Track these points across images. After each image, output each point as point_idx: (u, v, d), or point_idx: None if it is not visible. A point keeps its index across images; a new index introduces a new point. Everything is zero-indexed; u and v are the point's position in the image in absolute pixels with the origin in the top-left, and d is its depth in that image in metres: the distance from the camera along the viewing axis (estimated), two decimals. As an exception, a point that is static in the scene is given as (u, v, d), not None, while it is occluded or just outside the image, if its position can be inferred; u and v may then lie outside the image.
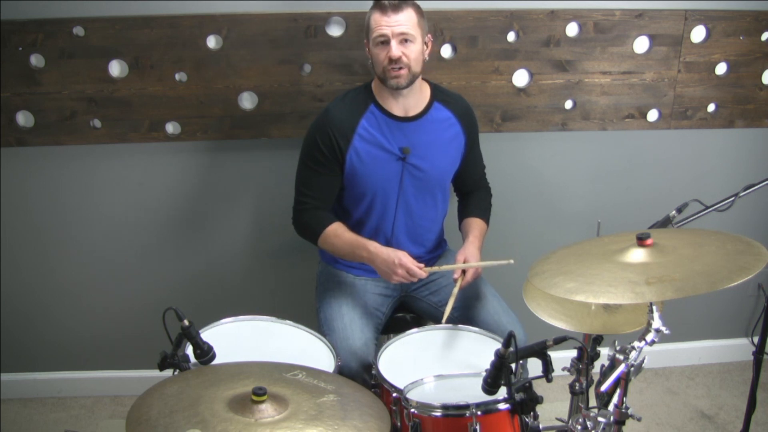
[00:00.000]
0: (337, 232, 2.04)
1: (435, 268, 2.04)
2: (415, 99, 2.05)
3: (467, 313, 2.06)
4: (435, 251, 2.24)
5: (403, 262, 1.93)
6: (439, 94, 2.10)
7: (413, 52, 1.94)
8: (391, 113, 2.03)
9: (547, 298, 1.86)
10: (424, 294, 2.19)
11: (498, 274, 2.19)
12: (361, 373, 1.88)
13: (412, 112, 2.05)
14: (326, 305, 2.09)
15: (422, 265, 1.96)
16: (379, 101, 2.04)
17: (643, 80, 2.49)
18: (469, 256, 2.03)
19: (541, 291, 1.68)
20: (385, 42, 1.92)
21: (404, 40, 1.92)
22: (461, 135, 2.12)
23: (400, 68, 1.93)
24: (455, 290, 1.99)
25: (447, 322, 1.96)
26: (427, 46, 2.01)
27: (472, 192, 2.27)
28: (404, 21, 1.91)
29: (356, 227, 2.10)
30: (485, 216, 2.23)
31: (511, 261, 1.96)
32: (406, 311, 2.23)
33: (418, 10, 1.96)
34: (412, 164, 2.04)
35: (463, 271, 2.01)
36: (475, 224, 2.17)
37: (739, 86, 2.54)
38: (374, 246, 1.98)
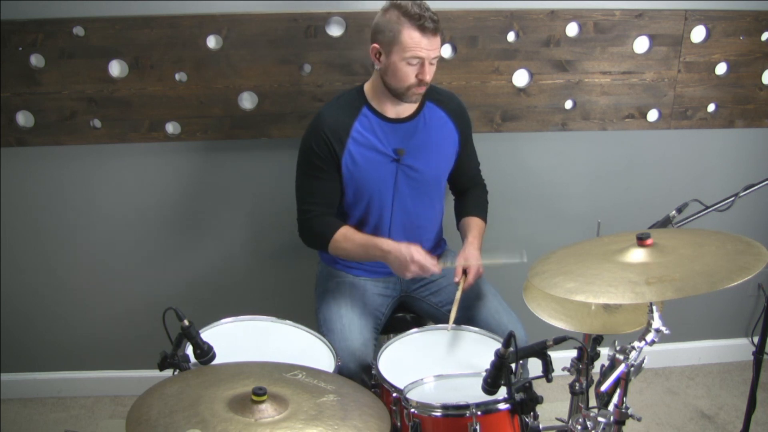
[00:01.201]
0: (347, 236, 2.02)
1: (448, 264, 2.01)
2: None
3: (467, 313, 2.06)
4: (434, 251, 2.22)
5: (415, 258, 1.90)
6: (431, 94, 2.09)
7: (434, 71, 1.95)
8: (384, 115, 2.03)
9: (547, 298, 1.86)
10: (425, 294, 2.19)
11: (498, 275, 2.18)
12: (359, 374, 1.88)
13: (405, 114, 2.05)
14: (325, 306, 2.09)
15: (435, 261, 1.93)
16: (372, 104, 2.03)
17: (643, 80, 2.49)
18: (469, 258, 2.02)
19: (541, 291, 1.68)
20: (420, 63, 1.91)
21: (433, 62, 1.93)
22: (454, 133, 2.12)
23: (424, 87, 1.95)
24: (458, 295, 1.98)
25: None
26: None
27: (468, 190, 2.27)
28: (438, 45, 1.92)
29: (355, 229, 2.10)
30: (483, 214, 2.23)
31: (525, 259, 1.88)
32: (406, 311, 2.23)
33: None
34: (406, 165, 2.04)
35: (464, 273, 2.01)
36: (474, 224, 2.17)
37: (739, 86, 2.54)
38: (387, 243, 1.96)
